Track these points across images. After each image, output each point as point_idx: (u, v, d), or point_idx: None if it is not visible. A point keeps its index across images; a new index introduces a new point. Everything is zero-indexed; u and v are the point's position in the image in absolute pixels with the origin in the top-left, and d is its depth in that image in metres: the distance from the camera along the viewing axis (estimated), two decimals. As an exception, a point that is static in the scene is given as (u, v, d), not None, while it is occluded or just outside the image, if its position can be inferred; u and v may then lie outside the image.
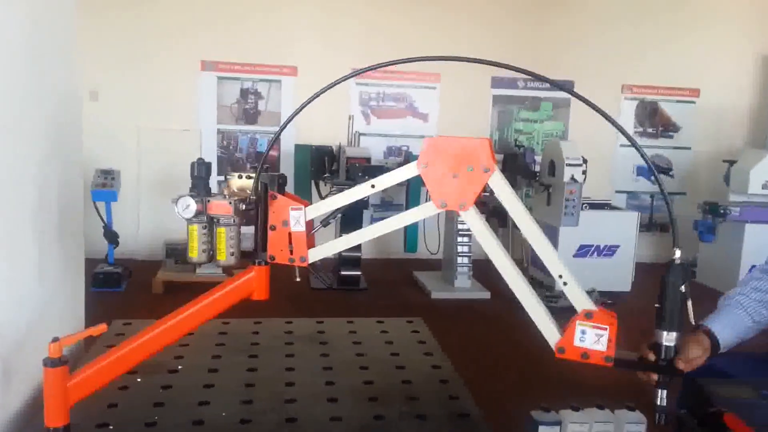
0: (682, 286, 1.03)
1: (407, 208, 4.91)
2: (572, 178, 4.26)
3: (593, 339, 1.03)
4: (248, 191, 1.16)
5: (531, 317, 1.07)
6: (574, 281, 1.05)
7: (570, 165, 4.27)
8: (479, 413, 1.27)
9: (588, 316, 1.04)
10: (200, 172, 1.23)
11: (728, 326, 1.36)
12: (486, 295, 4.61)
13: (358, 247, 4.69)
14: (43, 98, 1.31)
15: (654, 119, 5.90)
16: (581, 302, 1.04)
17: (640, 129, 5.89)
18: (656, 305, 1.06)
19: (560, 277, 1.05)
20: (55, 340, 1.02)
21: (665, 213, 6.08)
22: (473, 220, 1.10)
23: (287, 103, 5.34)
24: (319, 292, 4.40)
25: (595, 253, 4.63)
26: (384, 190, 5.05)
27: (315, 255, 1.16)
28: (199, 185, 1.21)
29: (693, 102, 5.85)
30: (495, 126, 5.77)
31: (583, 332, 1.03)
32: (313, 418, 1.21)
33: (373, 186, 1.13)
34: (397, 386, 1.38)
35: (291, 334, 1.65)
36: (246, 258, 1.19)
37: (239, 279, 1.14)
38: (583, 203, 4.47)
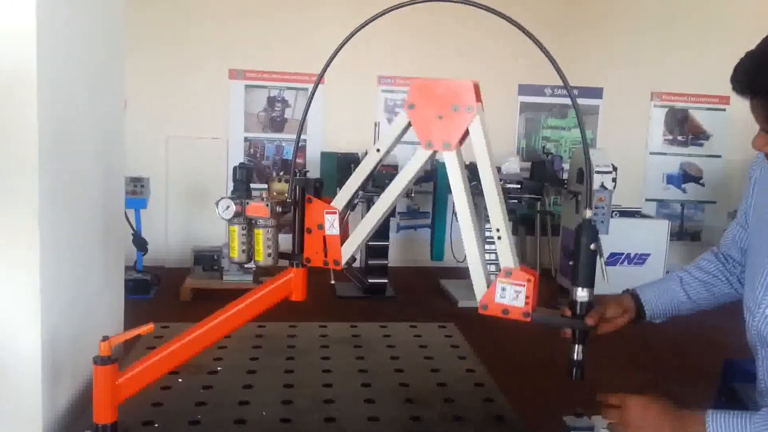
0: (592, 245, 1.05)
1: (434, 215, 4.91)
2: (602, 186, 4.23)
3: (512, 295, 1.07)
4: (285, 194, 1.18)
5: (470, 272, 1.11)
6: (507, 239, 1.08)
7: (599, 172, 4.24)
8: (515, 415, 1.27)
9: (508, 274, 1.07)
10: (241, 175, 1.25)
11: (660, 296, 1.32)
12: (513, 303, 4.57)
13: (384, 255, 4.70)
14: (95, 108, 1.36)
15: (684, 127, 5.83)
16: (507, 259, 1.08)
17: (670, 137, 5.82)
18: (570, 263, 1.09)
19: (497, 230, 1.09)
20: (105, 339, 1.05)
21: (696, 221, 5.98)
22: (452, 163, 1.11)
23: (314, 111, 5.40)
24: (346, 301, 4.42)
25: (626, 261, 4.58)
26: (411, 198, 5.10)
27: (346, 252, 1.17)
28: (240, 188, 1.24)
29: (723, 110, 5.76)
30: (522, 133, 5.76)
31: (503, 289, 1.08)
32: (352, 418, 1.22)
33: (378, 150, 1.15)
34: (433, 388, 1.38)
35: (326, 337, 1.67)
36: (282, 260, 1.21)
37: (278, 281, 1.16)
38: (613, 211, 4.42)
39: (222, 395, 1.29)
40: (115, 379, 1.06)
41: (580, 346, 1.11)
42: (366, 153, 5.25)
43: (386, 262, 4.71)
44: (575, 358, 1.11)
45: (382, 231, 4.69)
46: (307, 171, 1.24)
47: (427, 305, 4.49)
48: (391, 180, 4.41)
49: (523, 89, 5.73)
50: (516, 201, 4.53)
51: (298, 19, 5.31)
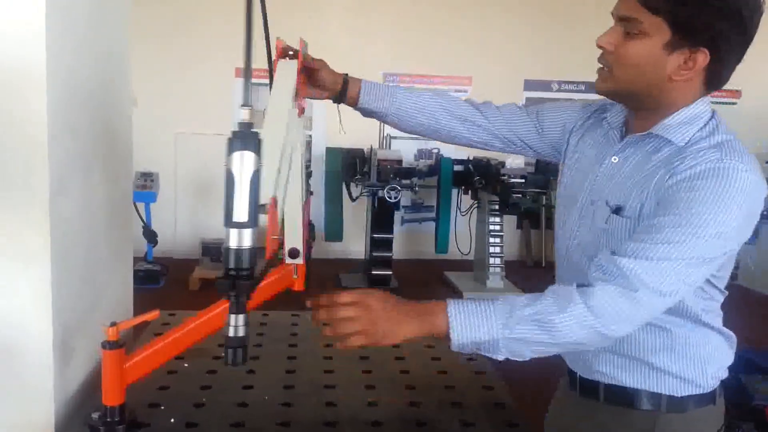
0: None
1: (438, 209, 4.93)
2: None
3: None
4: None
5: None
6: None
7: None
8: (514, 403, 1.29)
9: None
10: None
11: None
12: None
13: (389, 248, 4.73)
14: (104, 104, 1.39)
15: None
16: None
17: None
18: None
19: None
20: (113, 324, 1.08)
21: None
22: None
23: (319, 107, 5.42)
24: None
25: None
26: (415, 192, 5.07)
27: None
28: None
29: (734, 104, 5.73)
30: (527, 128, 5.75)
31: None
32: (351, 402, 1.26)
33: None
34: (433, 376, 1.41)
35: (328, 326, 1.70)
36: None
37: (280, 271, 1.19)
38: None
39: (226, 380, 1.32)
40: (122, 363, 1.09)
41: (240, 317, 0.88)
42: (371, 148, 5.28)
43: (390, 254, 4.74)
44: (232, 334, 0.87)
45: (386, 224, 4.72)
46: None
47: (431, 296, 4.47)
48: (395, 174, 4.50)
49: (529, 84, 5.72)
50: (520, 195, 4.53)
51: (303, 18, 5.33)
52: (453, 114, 1.31)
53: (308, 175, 3.70)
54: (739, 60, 1.04)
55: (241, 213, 0.81)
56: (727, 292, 1.13)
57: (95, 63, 1.35)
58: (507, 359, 1.01)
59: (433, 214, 5.14)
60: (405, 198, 5.00)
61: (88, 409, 1.13)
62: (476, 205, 5.00)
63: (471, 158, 4.87)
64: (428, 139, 1.40)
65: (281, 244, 1.09)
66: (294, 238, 1.12)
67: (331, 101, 1.32)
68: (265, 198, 0.85)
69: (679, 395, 1.11)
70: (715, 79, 1.06)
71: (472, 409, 1.26)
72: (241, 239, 0.83)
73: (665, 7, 0.96)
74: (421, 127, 1.33)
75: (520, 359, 1.00)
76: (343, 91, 1.27)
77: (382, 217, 4.70)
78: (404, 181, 4.63)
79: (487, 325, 0.97)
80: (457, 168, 4.83)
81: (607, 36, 1.04)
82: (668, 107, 1.06)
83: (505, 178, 4.54)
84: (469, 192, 4.98)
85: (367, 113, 1.32)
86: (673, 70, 1.02)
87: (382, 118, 1.32)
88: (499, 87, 5.56)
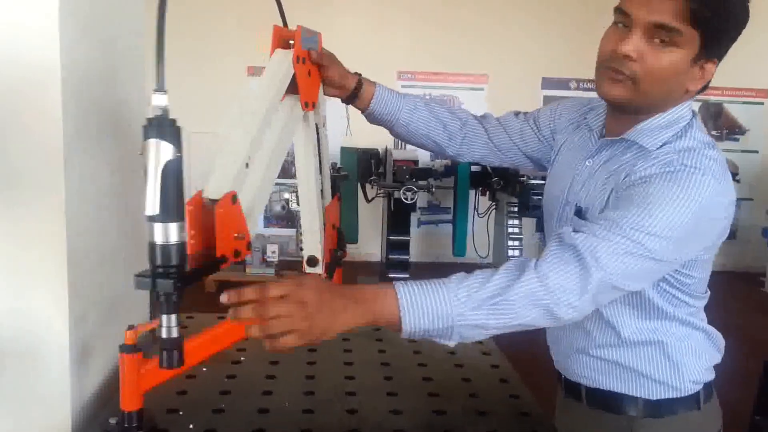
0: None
1: (455, 211, 4.88)
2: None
3: None
4: None
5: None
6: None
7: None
8: (540, 411, 1.25)
9: None
10: None
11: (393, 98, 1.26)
12: (536, 299, 4.52)
13: (406, 250, 4.69)
14: (118, 103, 1.38)
15: (718, 121, 5.69)
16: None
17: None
18: None
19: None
20: (131, 327, 1.06)
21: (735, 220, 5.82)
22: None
23: (334, 106, 5.40)
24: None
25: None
26: (432, 193, 5.00)
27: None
28: None
29: (761, 103, 5.61)
30: (545, 128, 5.69)
31: None
32: (374, 410, 1.22)
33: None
34: (457, 383, 1.37)
35: (349, 331, 1.66)
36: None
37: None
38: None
39: (245, 385, 1.30)
40: (140, 367, 1.07)
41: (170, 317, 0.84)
42: (387, 149, 5.24)
43: (407, 257, 4.70)
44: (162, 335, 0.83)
45: (403, 226, 4.68)
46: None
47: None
48: (411, 175, 4.43)
49: (547, 83, 5.65)
50: (540, 197, 4.46)
51: (314, 16, 5.32)
52: (454, 136, 1.32)
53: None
54: None
55: (151, 206, 0.76)
56: (708, 294, 1.11)
57: (110, 63, 1.33)
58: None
59: (449, 216, 5.09)
60: (421, 199, 4.95)
61: (106, 414, 1.11)
62: (494, 206, 4.94)
63: (487, 167, 4.82)
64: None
65: (249, 244, 0.90)
66: (312, 244, 1.07)
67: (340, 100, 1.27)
68: (218, 192, 0.79)
69: (655, 398, 1.09)
70: (708, 84, 1.04)
71: (497, 418, 1.22)
72: (167, 234, 0.77)
73: (708, 21, 0.92)
74: (426, 140, 1.32)
75: (469, 341, 0.94)
76: (354, 93, 1.24)
77: (398, 219, 4.65)
78: (420, 182, 4.58)
79: (442, 312, 0.88)
80: (474, 169, 4.77)
81: (632, 43, 0.96)
82: (657, 111, 1.04)
83: (524, 179, 4.48)
84: (487, 193, 4.92)
85: (372, 121, 1.30)
86: (691, 81, 1.00)
87: (389, 129, 1.32)
88: (516, 85, 5.50)
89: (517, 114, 1.34)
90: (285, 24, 1.11)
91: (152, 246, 0.77)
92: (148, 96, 1.72)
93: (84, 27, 1.15)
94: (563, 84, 5.61)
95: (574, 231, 0.94)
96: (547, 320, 0.92)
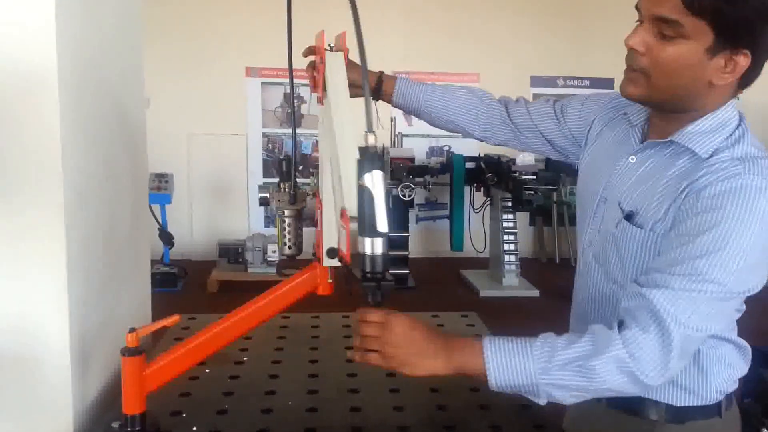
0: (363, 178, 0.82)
1: (451, 207, 4.89)
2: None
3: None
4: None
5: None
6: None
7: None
8: (542, 405, 1.25)
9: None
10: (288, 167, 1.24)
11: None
12: (535, 293, 4.54)
13: (405, 246, 4.70)
14: (116, 104, 1.37)
15: None
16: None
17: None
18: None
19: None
20: (132, 330, 1.06)
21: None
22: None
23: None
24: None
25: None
26: (428, 190, 5.03)
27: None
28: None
29: (737, 99, 5.61)
30: (538, 123, 5.70)
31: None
32: (377, 407, 1.22)
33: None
34: (458, 378, 1.37)
35: (349, 327, 1.67)
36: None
37: (305, 274, 1.15)
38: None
39: (248, 385, 1.30)
40: (142, 370, 1.07)
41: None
42: (384, 147, 5.26)
43: (407, 253, 4.71)
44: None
45: (401, 222, 4.69)
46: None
47: (448, 295, 4.48)
48: (408, 173, 4.45)
49: (536, 81, 5.66)
50: (532, 192, 4.47)
51: (311, 16, 5.31)
52: (478, 118, 1.35)
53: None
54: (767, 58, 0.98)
55: (382, 224, 0.89)
56: (744, 308, 1.08)
57: (108, 64, 1.33)
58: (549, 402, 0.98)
59: (446, 212, 5.10)
60: (418, 196, 4.96)
61: (109, 418, 1.11)
62: (489, 202, 4.96)
63: (482, 155, 4.82)
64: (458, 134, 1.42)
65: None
66: (332, 235, 1.07)
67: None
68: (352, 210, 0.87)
69: (678, 405, 1.08)
70: (748, 80, 1.00)
71: (499, 412, 1.22)
72: (381, 246, 0.91)
73: (711, 9, 0.90)
74: (452, 125, 1.37)
75: (561, 403, 0.98)
76: (377, 88, 1.31)
77: (397, 216, 4.67)
78: (417, 179, 4.60)
79: (525, 368, 0.94)
80: (469, 165, 4.78)
81: (638, 36, 0.96)
82: (697, 111, 1.01)
83: (517, 174, 4.49)
84: (482, 189, 4.94)
85: (402, 110, 1.38)
86: (714, 74, 0.96)
87: (416, 116, 1.37)
88: (506, 83, 5.50)
89: (547, 100, 1.34)
90: (290, 24, 1.13)
91: (373, 258, 0.90)
92: (145, 96, 1.71)
93: (81, 28, 1.15)
94: (551, 81, 5.63)
95: (651, 287, 0.93)
96: (635, 388, 0.94)
